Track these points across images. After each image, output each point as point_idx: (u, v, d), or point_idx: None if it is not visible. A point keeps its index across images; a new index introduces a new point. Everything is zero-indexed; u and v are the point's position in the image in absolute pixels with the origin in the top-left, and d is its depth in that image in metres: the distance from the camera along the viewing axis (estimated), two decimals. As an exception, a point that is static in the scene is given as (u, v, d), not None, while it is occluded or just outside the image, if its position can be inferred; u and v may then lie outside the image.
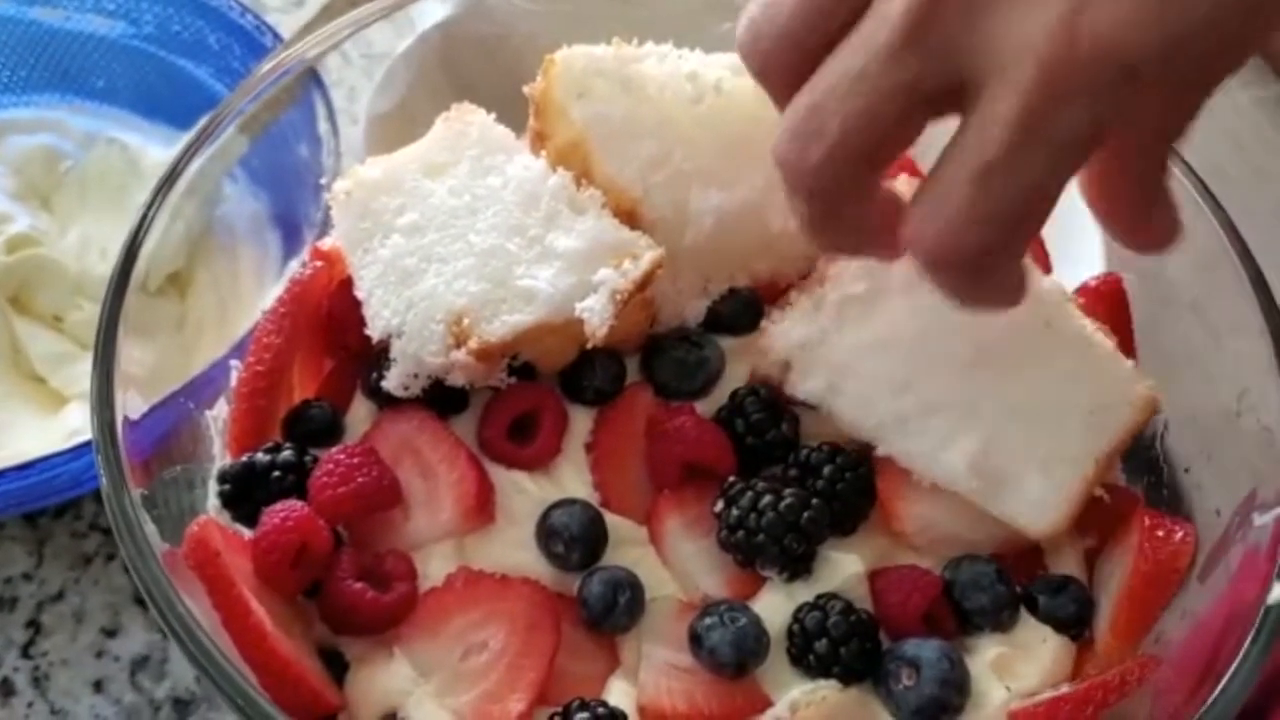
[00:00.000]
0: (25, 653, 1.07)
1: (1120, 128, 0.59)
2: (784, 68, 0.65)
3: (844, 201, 0.65)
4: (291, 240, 1.11)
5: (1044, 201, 0.61)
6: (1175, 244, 0.70)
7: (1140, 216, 0.70)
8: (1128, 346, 0.88)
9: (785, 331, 0.85)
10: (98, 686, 1.06)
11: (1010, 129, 0.57)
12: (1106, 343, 0.83)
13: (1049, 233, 0.92)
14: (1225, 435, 0.83)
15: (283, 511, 0.76)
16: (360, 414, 0.87)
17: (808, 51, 0.63)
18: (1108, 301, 0.90)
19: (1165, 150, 0.67)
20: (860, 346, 0.83)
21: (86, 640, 1.08)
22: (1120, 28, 0.55)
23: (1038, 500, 0.80)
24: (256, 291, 1.11)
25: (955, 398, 0.81)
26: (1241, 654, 0.67)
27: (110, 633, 1.08)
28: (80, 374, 1.14)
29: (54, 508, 1.13)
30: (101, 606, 1.09)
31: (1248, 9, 0.57)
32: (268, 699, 0.67)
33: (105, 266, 1.18)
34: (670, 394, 0.87)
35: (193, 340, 1.12)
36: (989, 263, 0.62)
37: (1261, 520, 0.73)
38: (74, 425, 1.10)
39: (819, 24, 0.63)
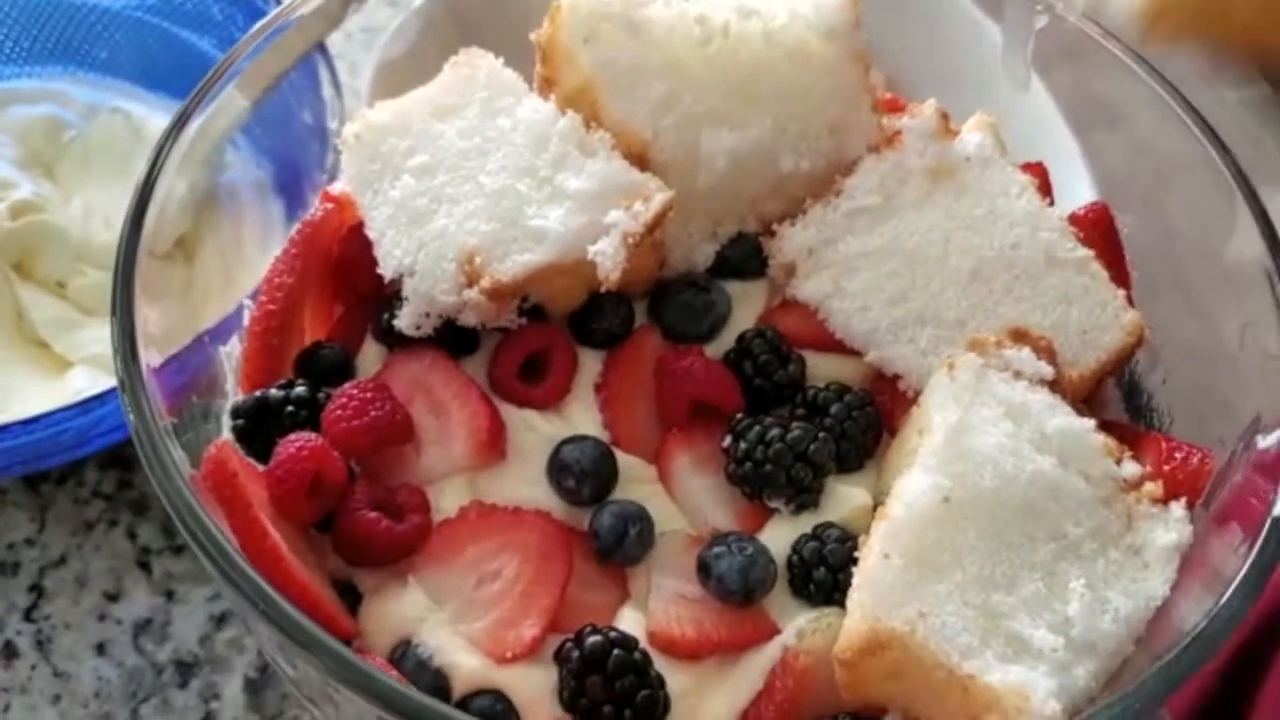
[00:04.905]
0: (28, 616, 1.07)
1: None
2: None
3: None
4: (295, 206, 1.12)
5: None
6: None
7: None
8: (1119, 273, 0.90)
9: (794, 235, 0.88)
10: (100, 649, 1.05)
11: None
12: (1101, 270, 0.86)
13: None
14: (1228, 370, 0.84)
15: (298, 441, 0.76)
16: (370, 357, 0.87)
17: None
18: (1099, 229, 0.91)
19: None
20: (865, 253, 0.86)
21: (89, 604, 1.08)
22: None
23: None
24: (260, 256, 1.10)
25: (950, 311, 0.85)
26: (1248, 564, 0.67)
27: (112, 597, 1.08)
28: (83, 339, 1.14)
29: (56, 474, 1.13)
30: (104, 571, 1.09)
31: None
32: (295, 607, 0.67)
33: (108, 234, 1.19)
34: (678, 337, 0.87)
35: (199, 304, 1.12)
36: None
37: (1265, 442, 0.74)
38: (78, 388, 1.10)
39: None
